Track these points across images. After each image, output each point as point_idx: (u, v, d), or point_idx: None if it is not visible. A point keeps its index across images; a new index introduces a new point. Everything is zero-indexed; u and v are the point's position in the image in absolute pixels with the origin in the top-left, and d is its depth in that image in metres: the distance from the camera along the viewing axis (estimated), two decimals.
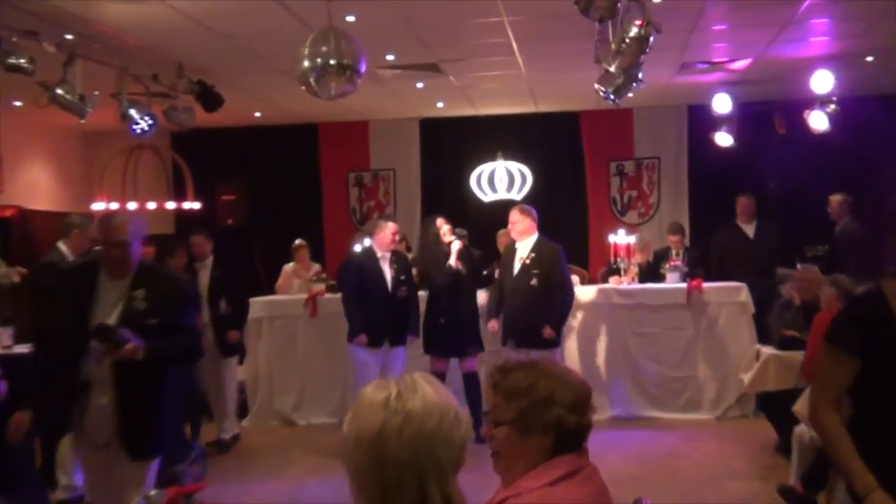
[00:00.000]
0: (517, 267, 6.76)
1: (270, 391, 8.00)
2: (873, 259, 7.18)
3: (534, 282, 6.65)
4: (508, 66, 7.87)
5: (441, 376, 6.63)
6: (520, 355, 6.15)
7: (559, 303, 6.70)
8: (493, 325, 6.91)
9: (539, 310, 6.60)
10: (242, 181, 10.90)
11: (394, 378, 1.75)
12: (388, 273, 6.79)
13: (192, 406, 6.91)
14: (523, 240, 6.79)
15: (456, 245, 6.85)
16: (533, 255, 6.73)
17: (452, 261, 6.83)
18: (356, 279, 6.75)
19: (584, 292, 7.79)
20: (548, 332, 6.55)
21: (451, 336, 6.85)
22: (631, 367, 7.74)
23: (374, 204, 11.01)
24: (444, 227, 6.92)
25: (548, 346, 6.54)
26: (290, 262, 8.79)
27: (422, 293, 7.06)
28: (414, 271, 7.10)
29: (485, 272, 7.26)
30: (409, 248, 8.37)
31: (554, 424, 1.92)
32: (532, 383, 1.95)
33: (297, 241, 8.82)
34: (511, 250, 6.88)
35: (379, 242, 6.82)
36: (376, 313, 6.69)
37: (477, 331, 6.98)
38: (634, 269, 7.97)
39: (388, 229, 6.79)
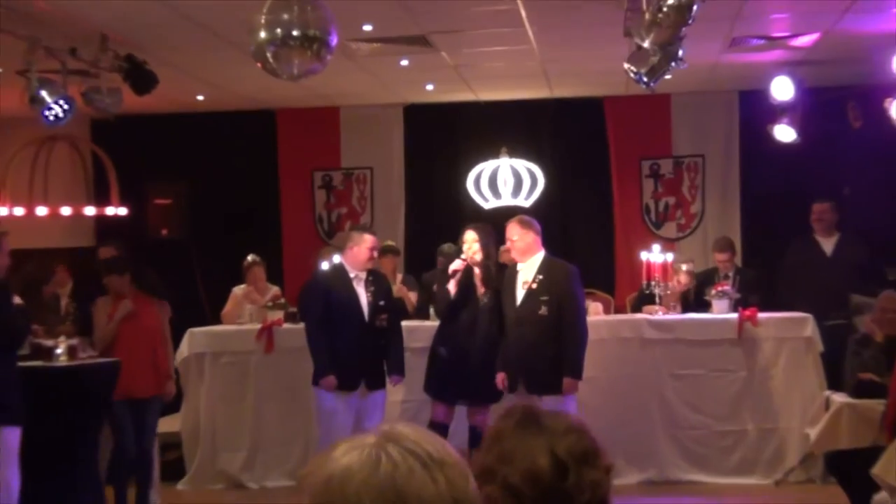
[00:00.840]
0: (521, 294, 6.75)
1: (214, 446, 7.96)
2: None
3: (543, 310, 6.64)
4: (516, 39, 7.88)
5: (441, 429, 6.63)
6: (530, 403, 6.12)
7: (577, 336, 6.69)
8: (502, 377, 6.84)
9: (552, 345, 6.60)
10: (181, 182, 10.86)
11: (370, 431, 1.71)
12: (363, 297, 6.79)
13: (119, 469, 6.87)
14: (526, 260, 6.79)
15: (456, 264, 6.88)
16: (540, 277, 6.71)
17: (451, 284, 6.87)
18: (323, 306, 6.74)
19: (609, 324, 7.77)
20: (569, 382, 6.57)
21: (453, 374, 6.83)
22: (668, 418, 7.74)
23: (345, 211, 11.00)
24: (473, 243, 6.88)
25: (561, 391, 6.55)
26: (240, 283, 8.77)
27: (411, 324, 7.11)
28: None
29: None
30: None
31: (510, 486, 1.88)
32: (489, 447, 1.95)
33: (250, 258, 8.80)
34: (511, 274, 6.87)
35: (352, 259, 6.82)
36: (349, 349, 6.69)
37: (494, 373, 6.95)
38: (673, 296, 7.97)
39: (365, 243, 6.78)
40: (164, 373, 7.04)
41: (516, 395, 6.70)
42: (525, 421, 1.97)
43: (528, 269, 6.78)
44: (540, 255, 6.79)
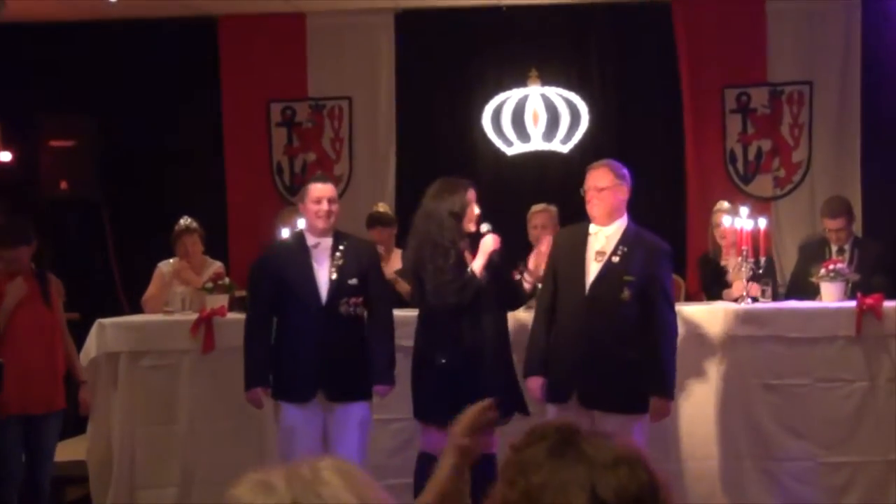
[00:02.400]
0: (594, 267, 6.75)
1: (132, 481, 7.99)
2: None
3: (626, 294, 6.66)
4: None
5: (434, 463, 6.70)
6: (584, 420, 6.19)
7: (669, 339, 6.72)
8: (536, 382, 6.88)
9: (633, 345, 6.64)
10: (86, 118, 10.89)
11: (284, 470, 1.75)
12: (322, 274, 6.83)
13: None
14: (610, 223, 6.79)
15: (489, 242, 6.85)
16: (625, 249, 6.72)
17: (477, 265, 6.83)
18: (270, 289, 6.83)
19: (681, 315, 7.78)
20: (659, 403, 6.62)
21: (461, 388, 6.85)
22: (758, 445, 7.75)
23: (314, 158, 11.04)
24: (474, 206, 6.87)
25: (638, 410, 6.60)
26: (168, 257, 8.83)
27: (404, 314, 7.10)
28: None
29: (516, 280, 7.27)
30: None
31: None
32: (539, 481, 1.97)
33: (182, 222, 8.87)
34: (577, 237, 6.87)
35: (307, 222, 6.92)
36: (298, 345, 6.78)
37: (508, 382, 6.95)
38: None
39: (308, 195, 6.83)
40: (62, 380, 7.10)
41: (561, 408, 6.72)
42: (561, 446, 2.00)
43: (607, 235, 6.76)
44: (625, 221, 6.80)
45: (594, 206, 6.77)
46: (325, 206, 6.82)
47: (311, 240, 6.86)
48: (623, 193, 6.77)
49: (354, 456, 6.86)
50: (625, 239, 6.73)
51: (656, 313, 6.67)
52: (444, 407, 6.80)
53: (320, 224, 6.84)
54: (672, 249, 6.93)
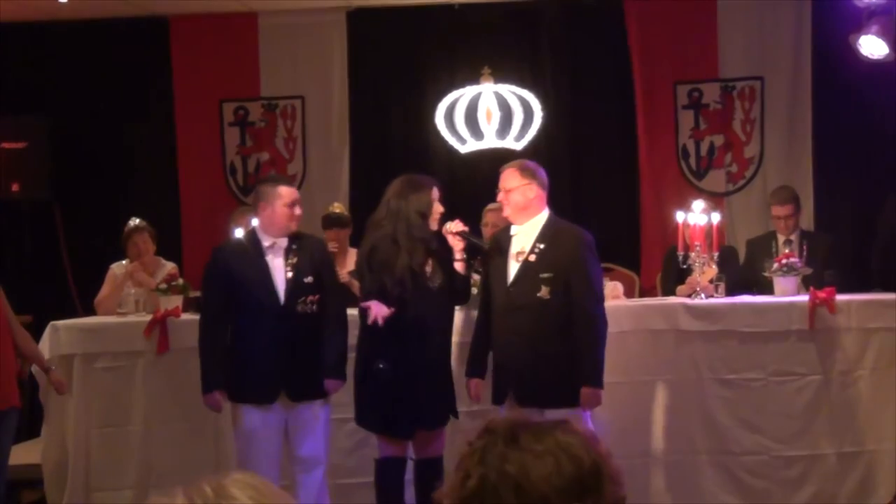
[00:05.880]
0: (514, 268, 6.81)
1: (87, 484, 7.96)
2: None
3: (543, 292, 6.71)
4: None
5: (397, 467, 6.82)
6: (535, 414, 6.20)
7: (594, 329, 6.75)
8: (473, 383, 6.95)
9: (557, 340, 6.68)
10: (38, 118, 10.84)
11: (183, 488, 1.74)
12: (278, 273, 6.83)
13: None
14: (524, 221, 6.85)
15: (457, 239, 6.89)
16: (541, 246, 6.77)
17: (459, 266, 6.89)
18: (223, 290, 6.82)
19: (633, 312, 7.83)
20: (588, 393, 6.64)
21: (402, 397, 6.81)
22: (712, 437, 7.79)
23: (267, 158, 11.00)
24: (438, 205, 6.88)
25: (573, 403, 6.62)
26: (121, 258, 8.80)
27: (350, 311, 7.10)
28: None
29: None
30: None
31: None
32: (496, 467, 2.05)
33: (132, 223, 8.84)
34: (502, 241, 6.94)
35: (267, 223, 6.87)
36: (258, 345, 6.78)
37: (449, 385, 7.00)
38: (717, 271, 8.02)
39: (280, 199, 6.80)
40: (13, 378, 7.07)
41: (503, 408, 6.78)
42: (508, 438, 2.09)
43: (525, 234, 6.82)
44: (543, 217, 6.85)
45: (505, 208, 6.92)
46: (297, 209, 6.88)
47: (266, 240, 6.85)
48: (532, 191, 6.82)
49: (321, 454, 6.94)
50: (542, 236, 6.80)
51: (579, 305, 6.71)
52: (377, 413, 6.83)
53: (293, 227, 6.88)
54: (594, 238, 6.89)
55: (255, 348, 6.77)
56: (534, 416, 2.28)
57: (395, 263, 6.70)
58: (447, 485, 2.11)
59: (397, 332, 6.69)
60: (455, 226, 6.88)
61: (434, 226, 6.86)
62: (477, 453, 2.08)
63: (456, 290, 6.98)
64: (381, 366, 6.73)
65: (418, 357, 6.77)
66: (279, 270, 6.82)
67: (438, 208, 6.87)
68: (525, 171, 6.88)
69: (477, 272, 7.30)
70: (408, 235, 6.75)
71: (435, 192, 6.91)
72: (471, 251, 7.01)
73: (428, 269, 6.83)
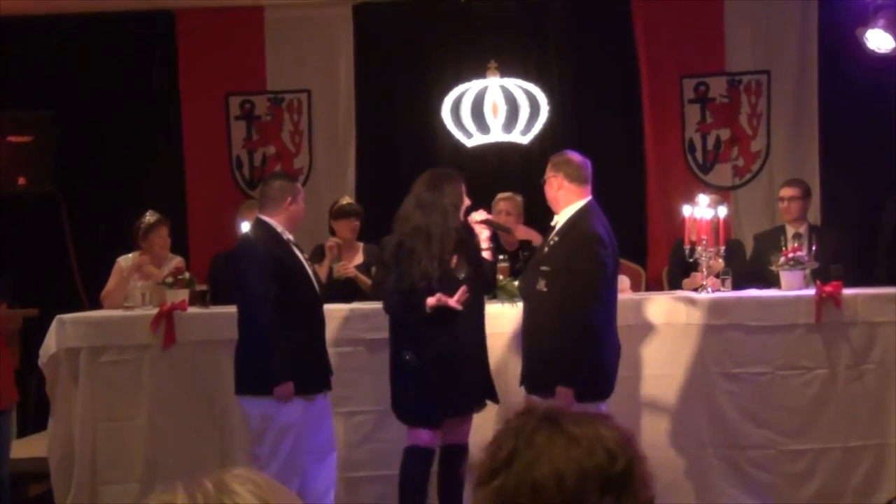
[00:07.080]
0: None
1: (94, 477, 7.97)
2: None
3: (541, 285, 6.79)
4: None
5: (427, 457, 6.90)
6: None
7: (574, 327, 6.68)
8: None
9: (550, 335, 6.72)
10: (44, 112, 10.83)
11: (184, 485, 1.75)
12: (307, 266, 7.08)
13: None
14: (558, 212, 6.99)
15: (483, 228, 7.03)
16: (556, 239, 6.90)
17: (486, 254, 7.03)
18: (277, 281, 6.81)
19: (639, 305, 7.84)
20: (559, 391, 6.61)
21: (425, 386, 6.87)
22: (719, 431, 7.80)
23: (273, 151, 10.98)
24: (466, 198, 7.00)
25: (583, 399, 6.61)
26: (127, 251, 8.78)
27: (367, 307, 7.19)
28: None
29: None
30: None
31: None
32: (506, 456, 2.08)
33: (154, 216, 8.84)
34: (548, 231, 7.09)
35: (290, 219, 7.01)
36: (309, 336, 6.92)
37: (479, 374, 7.03)
38: (724, 265, 8.03)
39: (301, 195, 7.07)
40: (11, 374, 7.10)
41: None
42: (547, 421, 2.13)
43: (557, 225, 6.97)
44: (572, 209, 6.91)
45: (550, 200, 7.05)
46: None
47: (286, 234, 6.98)
48: (556, 187, 6.90)
49: (332, 442, 7.10)
50: (561, 229, 6.87)
51: (567, 303, 6.70)
52: (412, 406, 6.88)
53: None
54: (598, 235, 6.81)
55: (306, 341, 6.89)
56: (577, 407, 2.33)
57: (424, 255, 6.77)
58: (479, 457, 2.15)
59: (425, 323, 6.81)
60: (479, 214, 7.02)
61: (461, 217, 6.97)
62: (512, 429, 2.12)
63: (483, 279, 7.07)
64: (407, 357, 6.86)
65: (444, 348, 6.84)
66: (306, 264, 7.04)
67: (466, 201, 6.99)
68: (554, 164, 7.00)
69: (503, 262, 7.47)
70: (443, 226, 6.81)
71: (463, 186, 7.03)
72: (496, 237, 7.09)
73: (454, 260, 6.90)
